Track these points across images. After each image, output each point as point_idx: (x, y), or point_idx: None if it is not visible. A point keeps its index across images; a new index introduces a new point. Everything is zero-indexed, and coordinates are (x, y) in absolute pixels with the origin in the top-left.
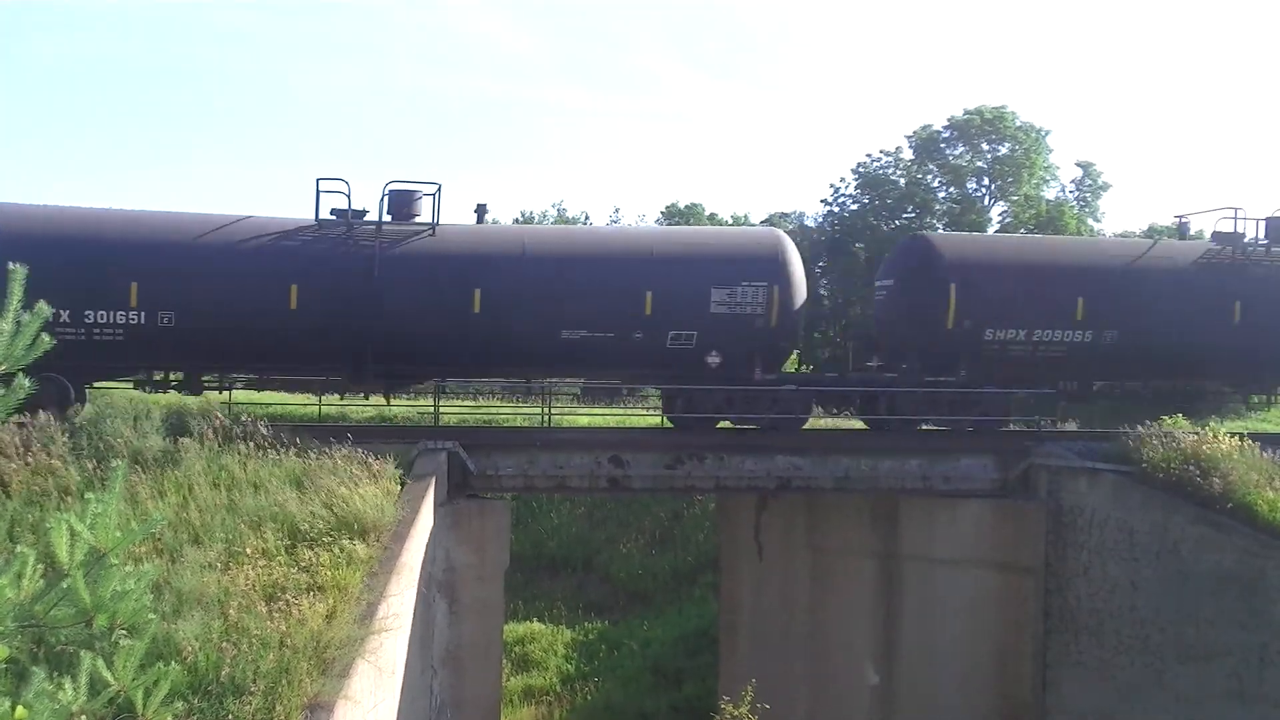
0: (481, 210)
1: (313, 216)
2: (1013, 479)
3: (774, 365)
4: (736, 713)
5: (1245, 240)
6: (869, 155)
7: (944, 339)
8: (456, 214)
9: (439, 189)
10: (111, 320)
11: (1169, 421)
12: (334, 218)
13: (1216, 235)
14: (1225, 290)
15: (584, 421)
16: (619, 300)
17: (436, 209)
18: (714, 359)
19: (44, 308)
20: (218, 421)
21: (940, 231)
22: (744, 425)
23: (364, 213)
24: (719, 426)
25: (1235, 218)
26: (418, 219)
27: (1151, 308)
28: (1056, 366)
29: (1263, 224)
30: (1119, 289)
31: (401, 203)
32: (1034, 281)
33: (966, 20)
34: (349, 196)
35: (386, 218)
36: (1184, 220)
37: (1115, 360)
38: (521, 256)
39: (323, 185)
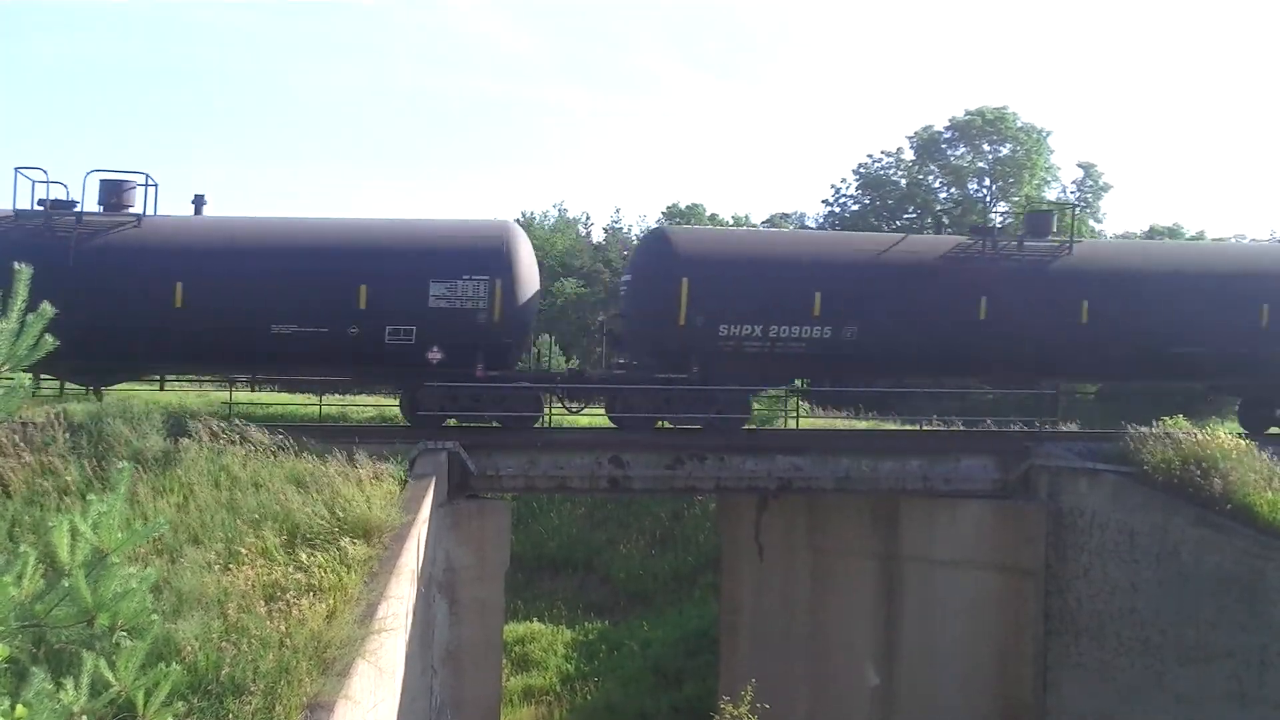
0: (199, 201)
1: (21, 207)
2: (1013, 480)
3: (499, 361)
4: (736, 713)
5: (999, 235)
6: (870, 156)
7: (676, 335)
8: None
9: (147, 178)
10: None
11: (1169, 422)
12: (38, 208)
13: (972, 229)
14: (972, 286)
15: (584, 422)
16: (331, 293)
17: (146, 200)
18: (435, 355)
19: (47, 309)
20: (214, 424)
21: (683, 226)
22: (473, 425)
23: (73, 203)
24: (446, 425)
25: (986, 212)
26: (130, 210)
27: (893, 304)
28: (796, 364)
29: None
30: (859, 284)
31: (110, 193)
32: (770, 277)
33: (967, 21)
34: (49, 185)
35: (98, 209)
36: (941, 215)
37: (857, 358)
38: (229, 248)
39: (45, 176)
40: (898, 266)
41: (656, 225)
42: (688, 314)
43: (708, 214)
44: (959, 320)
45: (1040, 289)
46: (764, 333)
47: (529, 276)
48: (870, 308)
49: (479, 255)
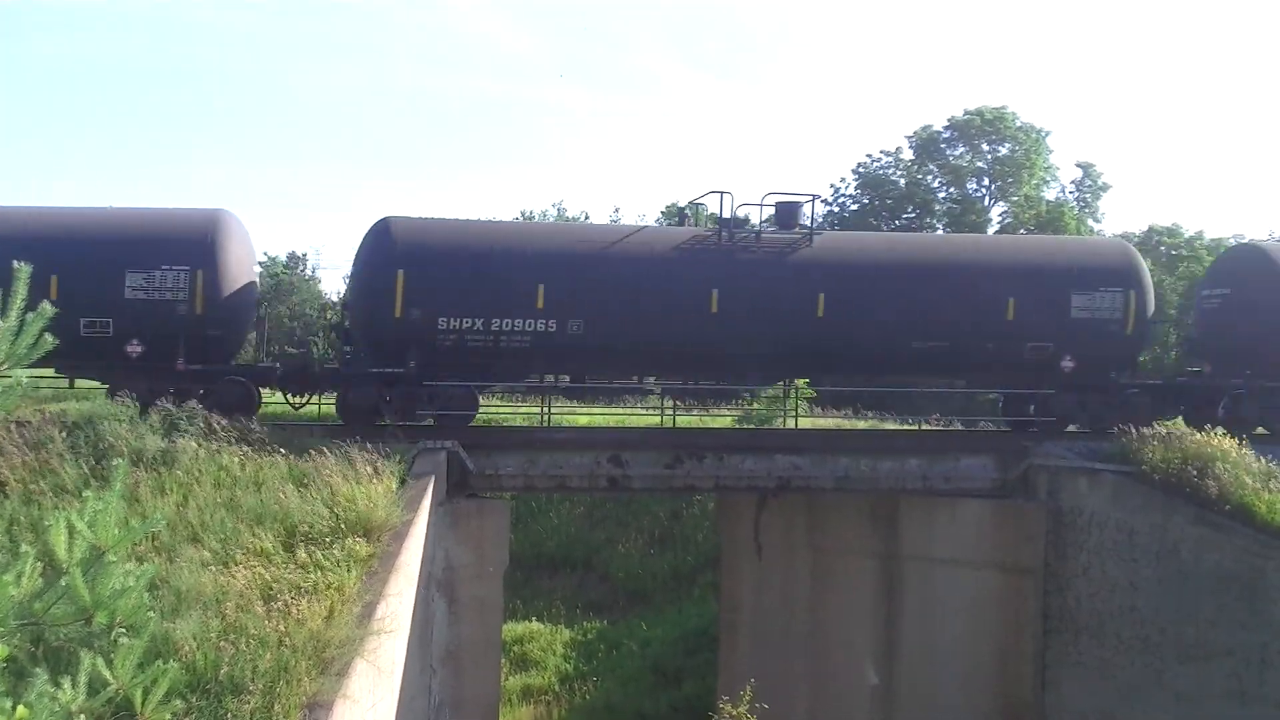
0: None
1: None
2: (1013, 479)
3: (206, 355)
4: (736, 712)
5: (742, 226)
6: (869, 155)
7: (393, 328)
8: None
9: None
10: None
11: (1168, 423)
12: None
13: (720, 221)
14: (704, 278)
15: (583, 421)
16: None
17: None
18: (134, 348)
19: (47, 308)
20: (216, 422)
21: (408, 216)
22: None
23: None
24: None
25: (721, 203)
26: None
27: (621, 297)
28: (522, 358)
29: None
30: (585, 276)
31: None
32: (492, 269)
33: (967, 21)
34: None
35: None
36: (686, 208)
37: (585, 352)
38: None
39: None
40: (627, 258)
41: (386, 217)
42: (404, 306)
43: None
44: (690, 314)
45: (776, 282)
46: (486, 326)
47: (239, 267)
48: (597, 300)
49: (179, 245)
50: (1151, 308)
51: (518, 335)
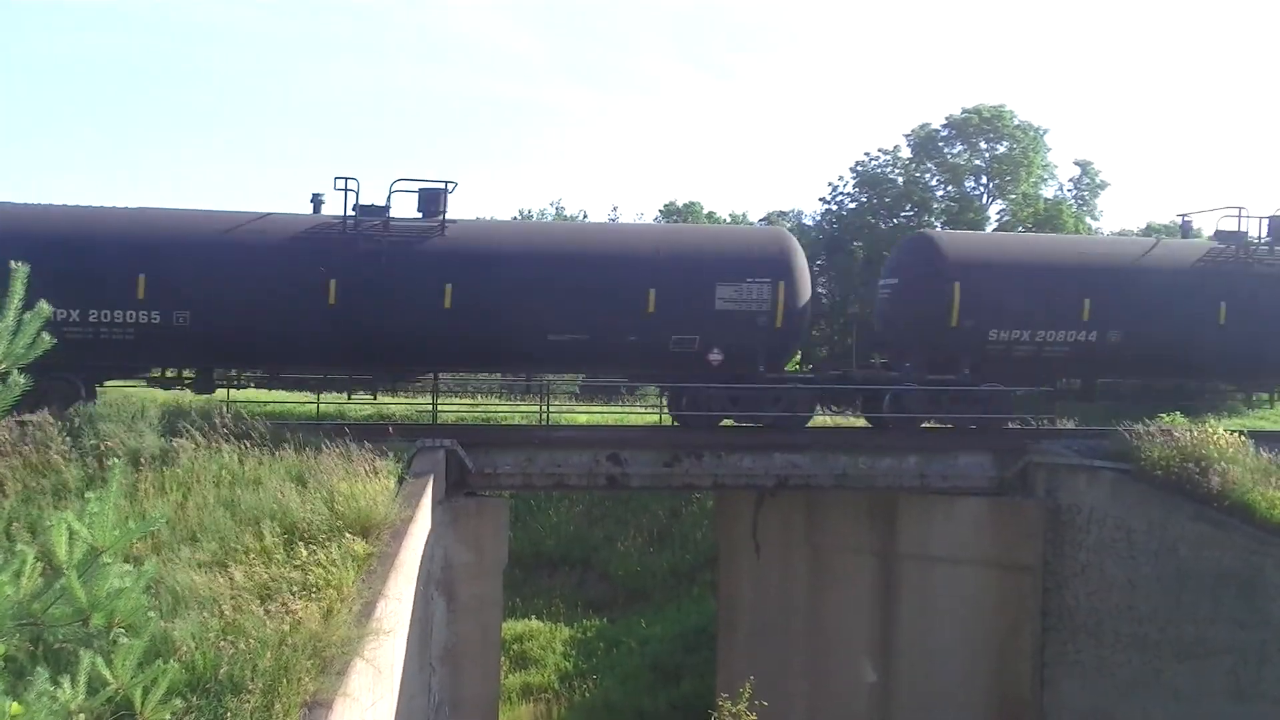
0: None
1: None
2: (1010, 477)
3: None
4: (735, 710)
5: (378, 214)
6: (867, 154)
7: None
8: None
9: None
10: None
11: (1167, 419)
12: None
13: (356, 208)
14: (323, 269)
15: (582, 419)
16: None
17: None
18: None
19: (44, 307)
20: (218, 419)
21: (4, 203)
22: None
23: None
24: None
25: (346, 189)
26: None
27: (233, 288)
28: (127, 350)
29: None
30: (193, 266)
31: None
32: (87, 257)
33: (965, 19)
34: None
35: None
36: (320, 197)
37: (192, 345)
38: None
39: None
40: (239, 246)
41: None
42: None
43: (705, 211)
44: (306, 306)
45: (401, 272)
46: (83, 317)
47: None
48: (204, 291)
49: None
50: (805, 299)
51: (119, 327)
